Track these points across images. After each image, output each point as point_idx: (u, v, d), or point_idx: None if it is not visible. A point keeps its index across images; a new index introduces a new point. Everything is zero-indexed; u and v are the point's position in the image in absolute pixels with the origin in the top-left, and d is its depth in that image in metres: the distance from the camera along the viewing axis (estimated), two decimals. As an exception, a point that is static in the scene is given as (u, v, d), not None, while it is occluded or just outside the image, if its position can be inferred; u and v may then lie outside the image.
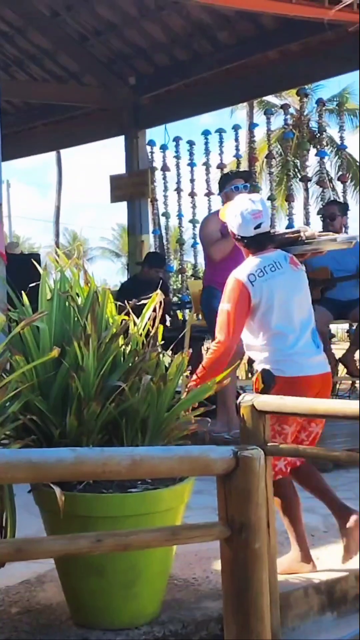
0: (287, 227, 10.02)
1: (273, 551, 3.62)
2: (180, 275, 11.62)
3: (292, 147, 11.85)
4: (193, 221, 10.83)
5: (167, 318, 9.64)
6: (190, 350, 7.82)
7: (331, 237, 5.33)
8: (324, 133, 10.48)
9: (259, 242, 4.53)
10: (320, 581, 4.10)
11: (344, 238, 5.84)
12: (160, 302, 3.96)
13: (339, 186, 11.65)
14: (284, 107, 10.66)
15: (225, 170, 11.08)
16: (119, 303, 4.07)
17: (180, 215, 11.35)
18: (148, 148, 11.12)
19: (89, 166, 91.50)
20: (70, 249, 4.66)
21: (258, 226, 4.52)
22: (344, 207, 8.61)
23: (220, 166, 10.70)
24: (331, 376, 4.69)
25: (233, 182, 7.09)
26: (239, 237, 4.60)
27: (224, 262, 6.93)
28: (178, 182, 11.17)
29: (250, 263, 4.48)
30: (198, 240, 7.40)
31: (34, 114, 12.11)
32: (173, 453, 2.30)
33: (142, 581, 3.59)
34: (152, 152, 11.14)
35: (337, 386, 9.65)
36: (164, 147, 11.07)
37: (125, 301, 4.06)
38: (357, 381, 9.23)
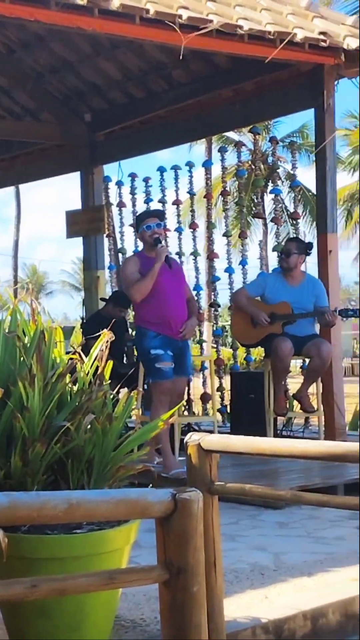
0: (240, 264, 10.10)
1: (219, 591, 3.61)
2: (136, 311, 11.63)
3: (246, 184, 11.96)
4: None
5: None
6: (146, 386, 7.90)
7: None
8: (277, 170, 10.58)
9: None
10: (268, 620, 4.08)
11: None
12: (108, 341, 3.95)
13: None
14: (238, 144, 10.77)
15: (183, 206, 11.19)
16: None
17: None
18: (104, 184, 11.17)
19: (48, 200, 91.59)
20: (25, 282, 4.65)
21: None
22: (306, 246, 8.55)
23: (176, 202, 10.78)
24: None
25: (146, 221, 7.19)
26: None
27: (147, 300, 7.01)
28: (134, 218, 11.21)
29: None
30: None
31: (-9, 149, 12.12)
32: (110, 496, 2.29)
33: (89, 623, 3.55)
34: (107, 188, 11.19)
35: (292, 421, 9.70)
36: (119, 183, 11.14)
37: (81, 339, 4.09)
38: (311, 417, 9.28)
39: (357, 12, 18.72)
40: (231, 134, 26.25)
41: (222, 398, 10.15)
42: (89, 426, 3.62)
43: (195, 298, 9.73)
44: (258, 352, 12.54)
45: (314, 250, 8.60)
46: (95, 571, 2.40)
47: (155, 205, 10.73)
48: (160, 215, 7.65)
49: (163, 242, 7.26)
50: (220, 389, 10.14)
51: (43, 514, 2.19)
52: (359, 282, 43.44)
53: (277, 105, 9.24)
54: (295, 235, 9.90)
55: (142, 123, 10.47)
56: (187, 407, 10.07)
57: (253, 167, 14.24)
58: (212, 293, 10.67)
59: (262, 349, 8.82)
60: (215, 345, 10.56)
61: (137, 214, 8.84)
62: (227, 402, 9.96)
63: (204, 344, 11.23)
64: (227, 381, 10.02)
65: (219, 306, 10.86)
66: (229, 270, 10.21)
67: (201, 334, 10.73)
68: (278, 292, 8.37)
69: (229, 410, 9.74)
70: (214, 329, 10.78)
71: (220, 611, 3.58)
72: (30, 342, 3.84)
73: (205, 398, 10.03)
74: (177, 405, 7.11)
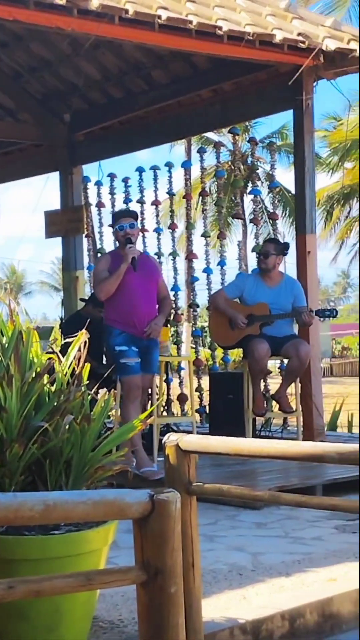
0: (219, 264, 10.09)
1: (197, 592, 3.61)
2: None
3: (225, 185, 11.95)
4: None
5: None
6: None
7: None
8: (256, 171, 10.58)
9: None
10: (246, 621, 4.08)
11: None
12: (85, 342, 3.94)
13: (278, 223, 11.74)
14: (217, 145, 10.77)
15: (162, 207, 11.17)
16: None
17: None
18: (83, 184, 11.14)
19: (27, 200, 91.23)
20: (4, 282, 4.65)
21: None
22: (283, 247, 8.58)
23: (155, 203, 10.77)
24: None
25: (120, 221, 7.25)
26: None
27: (113, 299, 7.04)
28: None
29: None
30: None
31: (-31, 149, 12.06)
32: (87, 497, 2.28)
33: (66, 624, 3.55)
34: (87, 188, 11.17)
35: (271, 422, 9.72)
36: (98, 184, 11.11)
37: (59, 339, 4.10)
38: (289, 417, 9.30)
39: (329, 12, 18.80)
40: (210, 135, 26.22)
41: (200, 399, 10.16)
42: (67, 427, 3.61)
43: (173, 299, 9.74)
44: (237, 353, 12.55)
45: (293, 251, 8.61)
46: (72, 572, 2.39)
47: (134, 206, 10.72)
48: (134, 215, 7.66)
49: (135, 242, 7.29)
50: (199, 389, 10.15)
51: (19, 515, 2.18)
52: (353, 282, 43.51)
53: (256, 106, 9.25)
54: (274, 236, 9.91)
55: (122, 123, 10.46)
56: (165, 407, 10.06)
57: (232, 167, 14.27)
58: (191, 294, 10.67)
59: (241, 349, 8.83)
60: (194, 346, 10.56)
61: (113, 213, 8.85)
62: (205, 402, 9.96)
63: (182, 345, 11.23)
64: (205, 382, 10.03)
65: (198, 307, 10.86)
66: (208, 270, 10.21)
67: (179, 334, 10.72)
68: (256, 293, 8.39)
69: (207, 411, 9.74)
70: (193, 329, 10.78)
71: (198, 612, 3.58)
72: (8, 343, 3.83)
73: (182, 398, 10.03)
74: (143, 402, 7.17)
